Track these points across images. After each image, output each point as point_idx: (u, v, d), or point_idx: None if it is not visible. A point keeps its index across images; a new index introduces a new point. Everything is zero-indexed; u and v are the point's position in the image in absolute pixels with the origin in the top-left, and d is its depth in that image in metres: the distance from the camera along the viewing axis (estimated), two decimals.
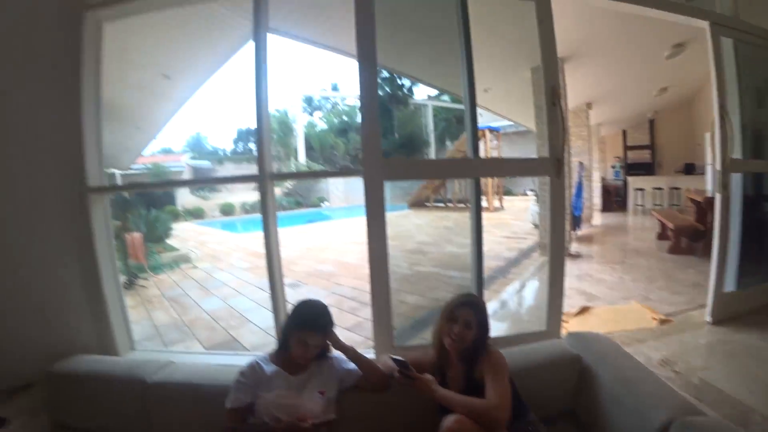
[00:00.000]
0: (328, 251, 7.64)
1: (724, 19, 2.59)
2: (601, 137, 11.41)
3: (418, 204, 13.97)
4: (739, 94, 2.75)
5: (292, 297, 2.09)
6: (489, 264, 5.11)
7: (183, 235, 10.60)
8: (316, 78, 35.96)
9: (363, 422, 1.46)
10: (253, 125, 1.95)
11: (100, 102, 2.11)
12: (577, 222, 6.86)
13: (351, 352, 1.45)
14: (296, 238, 9.29)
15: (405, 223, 10.50)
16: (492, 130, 13.43)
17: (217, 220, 15.46)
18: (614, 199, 11.04)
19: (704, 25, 2.52)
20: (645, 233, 7.14)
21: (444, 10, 2.38)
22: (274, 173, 2.01)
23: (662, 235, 6.18)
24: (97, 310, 2.10)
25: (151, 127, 7.70)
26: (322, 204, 18.21)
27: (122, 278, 3.04)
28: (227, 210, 16.38)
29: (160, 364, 1.72)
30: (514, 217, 10.59)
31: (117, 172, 9.92)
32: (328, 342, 1.44)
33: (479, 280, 2.34)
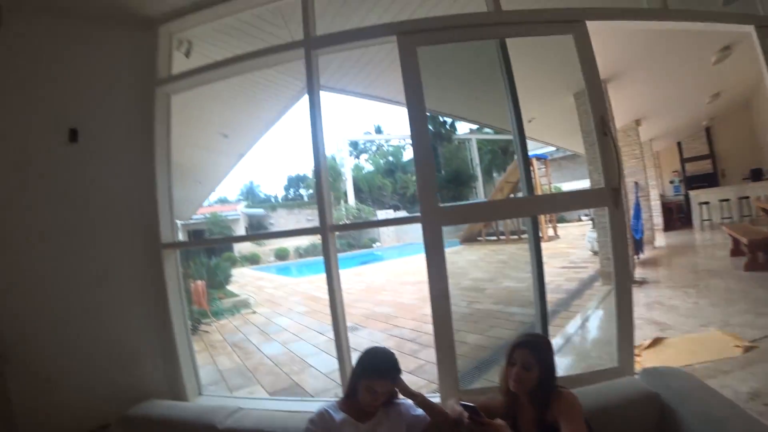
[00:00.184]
0: (383, 292, 7.61)
1: None
2: (654, 153, 10.75)
3: (470, 239, 13.65)
4: None
5: (352, 341, 2.09)
6: (549, 297, 4.80)
7: (241, 280, 11.08)
8: (359, 121, 37.68)
9: None
10: (302, 171, 2.06)
11: (170, 165, 2.35)
12: (639, 246, 6.37)
13: (419, 398, 1.43)
14: (351, 280, 9.35)
15: (458, 260, 10.26)
16: (539, 158, 13.13)
17: (273, 264, 16.14)
18: (677, 217, 10.28)
19: (749, 29, 2.41)
20: (716, 250, 6.54)
21: (483, 50, 2.45)
22: (334, 225, 2.10)
23: (736, 251, 5.64)
24: (169, 357, 2.23)
25: (210, 181, 8.37)
26: (373, 245, 18.43)
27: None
28: (282, 255, 17.06)
29: (229, 411, 1.77)
30: (570, 246, 10.05)
31: (179, 222, 10.78)
32: (396, 389, 1.43)
33: (543, 316, 2.23)
